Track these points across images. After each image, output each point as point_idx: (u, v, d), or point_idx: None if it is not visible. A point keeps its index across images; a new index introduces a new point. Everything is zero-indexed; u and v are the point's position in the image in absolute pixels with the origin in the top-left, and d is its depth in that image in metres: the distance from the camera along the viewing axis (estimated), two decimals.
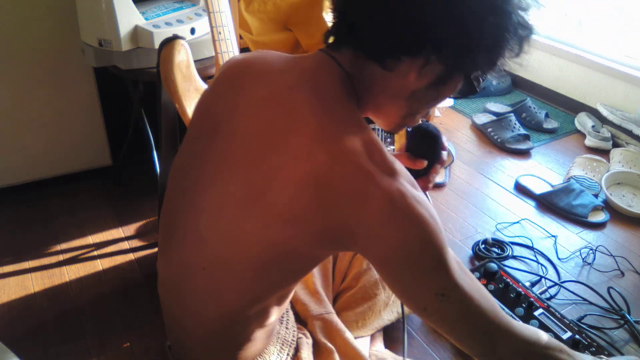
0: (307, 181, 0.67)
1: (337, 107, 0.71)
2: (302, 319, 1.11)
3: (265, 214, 0.70)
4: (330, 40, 0.77)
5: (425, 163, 0.91)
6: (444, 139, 0.93)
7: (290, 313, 1.04)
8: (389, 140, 1.72)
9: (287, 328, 0.98)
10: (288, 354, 0.95)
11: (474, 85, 0.76)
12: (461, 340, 0.76)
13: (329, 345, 1.05)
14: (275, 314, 0.84)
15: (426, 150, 0.91)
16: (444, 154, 0.93)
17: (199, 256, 0.76)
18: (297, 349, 0.99)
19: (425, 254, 0.68)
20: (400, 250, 0.68)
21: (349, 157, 0.67)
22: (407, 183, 0.69)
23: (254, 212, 0.70)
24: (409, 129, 0.93)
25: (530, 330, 0.79)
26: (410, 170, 0.88)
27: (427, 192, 0.94)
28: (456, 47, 0.69)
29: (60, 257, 1.59)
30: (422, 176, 0.91)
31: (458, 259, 0.73)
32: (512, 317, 1.33)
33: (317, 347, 1.06)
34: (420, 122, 0.88)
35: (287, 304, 0.88)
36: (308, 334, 1.06)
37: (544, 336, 0.80)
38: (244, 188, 0.71)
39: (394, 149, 1.69)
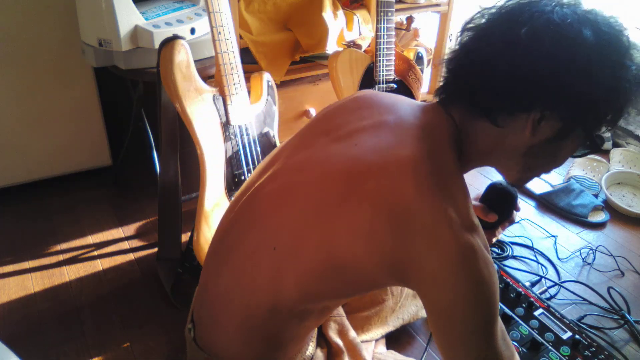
0: (389, 209, 0.68)
1: (442, 153, 0.73)
2: None
3: (343, 220, 0.71)
4: (441, 96, 0.80)
5: (495, 218, 0.95)
6: (519, 201, 0.97)
7: (316, 333, 1.05)
8: None
9: (310, 345, 0.99)
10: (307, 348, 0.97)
11: (597, 143, 0.76)
12: None
13: (341, 345, 1.06)
14: (313, 324, 0.85)
15: (500, 207, 0.95)
16: (515, 213, 0.97)
17: (273, 237, 0.78)
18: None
19: (478, 315, 0.69)
20: (457, 304, 0.68)
21: (435, 198, 0.68)
22: (481, 243, 0.70)
23: (334, 213, 0.72)
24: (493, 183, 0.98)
25: None
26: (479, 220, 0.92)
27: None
28: (571, 102, 0.69)
29: (60, 257, 1.59)
30: (489, 229, 0.95)
31: (503, 328, 0.74)
32: (512, 317, 1.34)
33: (329, 350, 1.06)
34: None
35: (325, 318, 0.89)
36: (323, 342, 1.07)
37: None
38: (333, 188, 0.74)
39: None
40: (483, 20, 0.75)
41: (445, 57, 0.80)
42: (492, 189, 0.96)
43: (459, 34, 0.78)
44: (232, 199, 0.90)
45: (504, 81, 0.70)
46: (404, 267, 0.70)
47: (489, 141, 0.76)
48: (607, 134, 2.25)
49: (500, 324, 0.72)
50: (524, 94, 0.70)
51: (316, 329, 1.04)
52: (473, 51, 0.74)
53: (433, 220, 0.67)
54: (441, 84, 0.80)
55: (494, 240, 0.97)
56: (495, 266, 0.77)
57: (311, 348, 0.98)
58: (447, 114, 0.77)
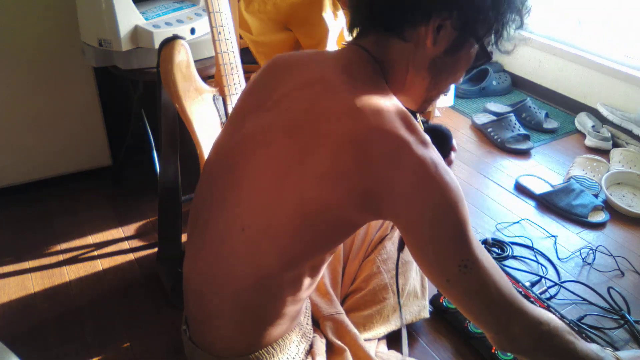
0: (347, 142, 0.71)
1: (372, 85, 0.77)
2: (314, 319, 1.11)
3: (304, 174, 0.74)
4: (354, 32, 0.83)
5: None
6: (454, 141, 0.96)
7: (310, 309, 1.05)
8: None
9: (307, 323, 0.99)
10: (305, 348, 0.97)
11: (487, 51, 0.81)
12: (478, 315, 0.79)
13: (341, 344, 1.06)
14: (306, 286, 0.85)
15: (436, 148, 0.93)
16: (452, 154, 0.96)
17: (239, 218, 0.80)
18: (311, 345, 1.01)
19: (450, 220, 0.73)
20: (428, 214, 0.72)
21: (386, 123, 0.72)
22: (437, 155, 0.74)
23: (295, 173, 0.75)
24: (424, 125, 0.97)
25: (541, 311, 0.83)
26: None
27: None
28: (465, 10, 0.74)
29: (60, 257, 1.59)
30: None
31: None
32: None
33: (329, 347, 1.06)
34: (431, 122, 0.91)
35: (316, 283, 0.89)
36: (321, 334, 1.07)
37: (553, 318, 0.84)
38: (286, 151, 0.76)
39: None
40: None
41: None
42: (425, 131, 0.96)
43: None
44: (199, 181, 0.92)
45: None
46: (374, 195, 0.72)
47: (402, 63, 0.80)
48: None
49: (472, 232, 0.76)
50: (422, 2, 0.75)
51: (310, 315, 1.04)
52: None
53: (392, 144, 0.71)
54: (349, 21, 0.84)
55: None
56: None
57: (305, 338, 0.98)
58: (364, 50, 0.80)
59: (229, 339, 0.87)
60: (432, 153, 0.73)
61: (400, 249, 0.99)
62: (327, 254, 0.84)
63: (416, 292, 1.27)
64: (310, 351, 0.99)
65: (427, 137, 0.75)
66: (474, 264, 0.74)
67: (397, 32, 0.77)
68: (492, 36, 0.79)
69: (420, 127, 0.75)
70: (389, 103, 0.75)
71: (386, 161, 0.71)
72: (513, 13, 0.78)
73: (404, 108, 0.77)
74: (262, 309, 0.84)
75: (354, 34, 0.84)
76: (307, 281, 0.85)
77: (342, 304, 1.20)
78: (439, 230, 0.73)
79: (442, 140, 0.95)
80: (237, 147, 0.83)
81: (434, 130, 0.95)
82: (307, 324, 1.00)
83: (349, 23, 0.84)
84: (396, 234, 1.21)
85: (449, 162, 0.96)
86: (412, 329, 1.35)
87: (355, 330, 1.11)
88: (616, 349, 1.32)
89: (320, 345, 1.02)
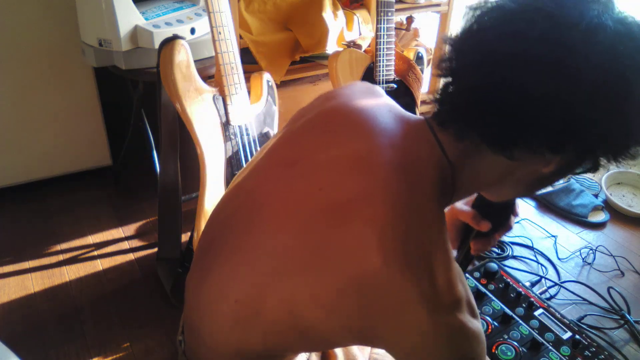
0: (352, 276, 0.58)
1: (419, 202, 0.59)
2: None
3: (302, 293, 0.62)
4: (437, 112, 0.64)
5: (489, 226, 0.79)
6: (517, 205, 0.82)
7: None
8: None
9: None
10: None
11: (598, 165, 0.63)
12: None
13: (335, 350, 1.05)
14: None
15: (495, 214, 0.80)
16: (513, 219, 0.82)
17: (234, 289, 0.70)
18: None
19: None
20: None
21: (406, 270, 0.56)
22: (466, 316, 0.58)
23: (291, 283, 0.63)
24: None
25: None
26: (471, 228, 0.82)
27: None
28: (608, 145, 0.58)
29: (60, 257, 1.59)
30: (483, 237, 0.82)
31: None
32: (512, 317, 1.34)
33: (324, 355, 1.05)
34: None
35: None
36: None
37: None
38: (288, 250, 0.64)
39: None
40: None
41: (446, 63, 0.61)
42: (479, 201, 0.81)
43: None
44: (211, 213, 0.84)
45: (545, 113, 0.54)
46: (375, 340, 0.62)
47: (492, 176, 0.64)
48: None
49: None
50: (564, 134, 0.56)
51: None
52: (494, 68, 0.56)
53: (402, 297, 0.56)
54: (437, 105, 0.64)
55: (489, 249, 0.85)
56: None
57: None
58: (440, 146, 0.62)
59: None
60: (457, 319, 0.57)
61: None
62: (314, 352, 0.78)
63: None
64: None
65: (459, 292, 0.58)
66: None
67: (504, 153, 0.59)
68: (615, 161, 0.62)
69: (454, 277, 0.58)
70: (425, 236, 0.58)
71: (393, 316, 0.57)
72: None
73: (444, 243, 0.59)
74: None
75: (436, 115, 0.64)
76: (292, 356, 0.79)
77: None
78: None
79: (502, 207, 0.80)
80: (246, 201, 0.72)
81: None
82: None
83: (439, 95, 0.64)
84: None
85: (508, 228, 0.82)
86: None
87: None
88: (616, 349, 1.32)
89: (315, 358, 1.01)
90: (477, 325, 0.60)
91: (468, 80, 0.59)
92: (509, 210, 0.81)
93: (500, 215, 0.80)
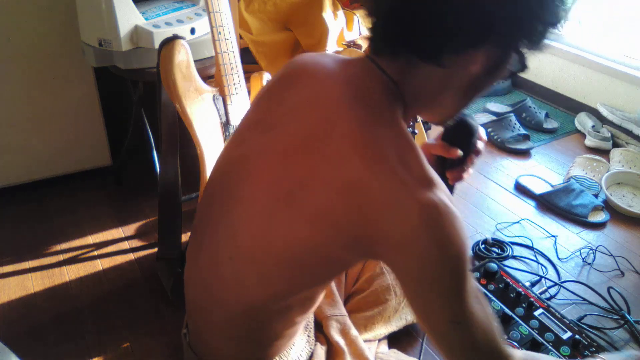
0: (340, 186, 0.66)
1: (379, 117, 0.68)
2: (316, 320, 1.10)
3: (295, 213, 0.69)
4: (373, 45, 0.73)
5: (459, 152, 0.88)
6: (481, 131, 0.90)
7: (313, 320, 1.04)
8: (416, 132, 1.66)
9: (309, 335, 0.98)
10: (306, 357, 0.96)
11: (525, 62, 0.71)
12: None
13: (342, 345, 1.06)
14: (299, 317, 0.83)
15: (462, 140, 0.89)
16: (480, 144, 0.90)
17: (228, 245, 0.77)
18: (312, 355, 1.00)
19: (449, 277, 0.66)
20: (426, 267, 0.65)
21: (383, 165, 0.64)
22: (443, 196, 0.65)
23: (284, 209, 0.70)
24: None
25: None
26: (444, 159, 0.89)
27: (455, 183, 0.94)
28: (516, 30, 0.65)
29: (60, 257, 1.59)
30: (457, 167, 0.90)
31: (478, 286, 0.71)
32: (512, 317, 1.34)
33: (329, 348, 1.06)
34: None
35: (312, 309, 0.87)
36: (323, 339, 1.07)
37: None
38: (278, 184, 0.71)
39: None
40: None
41: None
42: (447, 126, 0.90)
43: None
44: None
45: (457, 15, 0.63)
46: (367, 242, 0.67)
47: (433, 87, 0.71)
48: (607, 133, 2.25)
49: (472, 280, 0.69)
50: (478, 27, 0.63)
51: (313, 325, 1.04)
52: None
53: (385, 186, 0.64)
54: (369, 34, 0.72)
55: (466, 176, 0.91)
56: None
57: (308, 345, 0.98)
58: (380, 69, 0.71)
59: (225, 355, 0.86)
60: (436, 196, 0.64)
61: None
62: (318, 288, 0.81)
63: None
64: (310, 358, 0.99)
65: (432, 174, 0.66)
66: (466, 321, 0.68)
67: (434, 60, 0.66)
68: (536, 42, 0.69)
69: (424, 160, 0.67)
70: (394, 137, 0.67)
71: (381, 207, 0.64)
72: (558, 15, 0.67)
73: (408, 139, 0.68)
74: (255, 333, 0.82)
75: (372, 47, 0.73)
76: (298, 311, 0.82)
77: (344, 303, 1.20)
78: (435, 285, 0.66)
79: (468, 130, 0.88)
80: (234, 167, 0.80)
81: (458, 121, 0.87)
82: (309, 335, 0.98)
83: (369, 33, 0.73)
84: None
85: (477, 153, 0.90)
86: (413, 329, 1.35)
87: (356, 332, 1.11)
88: (616, 349, 1.32)
89: (321, 352, 1.02)
90: (454, 209, 0.65)
91: (386, 4, 0.68)
92: (474, 134, 0.88)
93: (466, 140, 0.88)
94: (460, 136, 0.89)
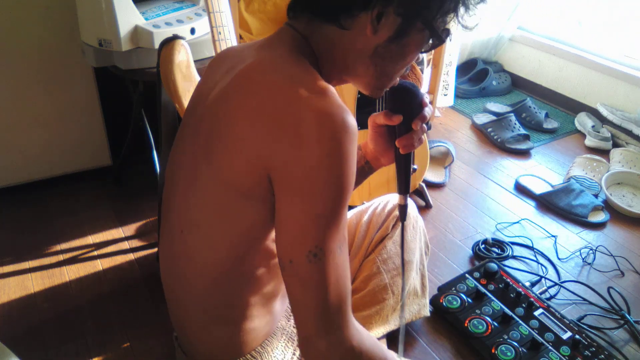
0: (248, 113, 0.69)
1: (279, 55, 0.73)
2: None
3: (215, 160, 0.72)
4: (290, 14, 0.78)
5: (400, 118, 0.86)
6: (425, 96, 0.88)
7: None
8: None
9: (292, 327, 0.97)
10: (294, 353, 0.94)
11: (439, 34, 0.73)
12: (302, 308, 0.70)
13: None
14: (267, 280, 0.81)
15: (402, 105, 0.87)
16: (426, 110, 0.87)
17: (178, 220, 0.81)
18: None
19: (325, 196, 0.65)
20: (299, 178, 0.65)
21: (284, 84, 0.68)
22: (336, 103, 0.67)
23: (208, 161, 0.73)
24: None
25: (365, 338, 0.74)
26: (390, 128, 0.89)
27: (414, 166, 0.93)
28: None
29: (60, 257, 1.59)
30: (403, 133, 0.87)
31: (345, 231, 0.70)
32: (512, 317, 1.34)
33: None
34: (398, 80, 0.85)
35: (278, 280, 0.84)
36: None
37: (375, 350, 0.75)
38: (202, 143, 0.75)
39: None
40: None
41: None
42: (389, 90, 0.87)
43: None
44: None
45: None
46: (268, 163, 0.67)
47: (339, 48, 0.75)
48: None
49: (346, 227, 0.68)
50: None
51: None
52: None
53: (279, 99, 0.66)
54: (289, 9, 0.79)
55: (416, 144, 0.88)
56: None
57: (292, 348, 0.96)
58: (291, 27, 0.76)
59: (207, 344, 0.86)
60: (329, 101, 0.66)
61: (403, 219, 0.92)
62: (262, 242, 0.78)
63: (416, 291, 1.27)
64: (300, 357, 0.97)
65: (328, 86, 0.69)
66: (325, 256, 0.66)
67: (333, 21, 0.72)
68: (446, 16, 0.72)
69: (319, 80, 0.70)
70: (290, 64, 0.71)
71: (277, 117, 0.66)
72: None
73: (306, 69, 0.72)
74: (226, 310, 0.81)
75: (287, 14, 0.79)
76: (265, 274, 0.80)
77: None
78: (307, 202, 0.65)
79: (405, 94, 0.86)
80: (177, 149, 0.85)
81: (395, 86, 0.85)
82: (292, 327, 0.96)
83: (289, 10, 0.79)
84: (397, 232, 1.21)
85: (423, 118, 0.87)
86: (412, 329, 1.35)
87: None
88: (616, 348, 1.32)
89: None
90: (348, 118, 0.67)
91: None
92: (414, 98, 0.87)
93: (407, 105, 0.87)
94: (399, 102, 0.87)
